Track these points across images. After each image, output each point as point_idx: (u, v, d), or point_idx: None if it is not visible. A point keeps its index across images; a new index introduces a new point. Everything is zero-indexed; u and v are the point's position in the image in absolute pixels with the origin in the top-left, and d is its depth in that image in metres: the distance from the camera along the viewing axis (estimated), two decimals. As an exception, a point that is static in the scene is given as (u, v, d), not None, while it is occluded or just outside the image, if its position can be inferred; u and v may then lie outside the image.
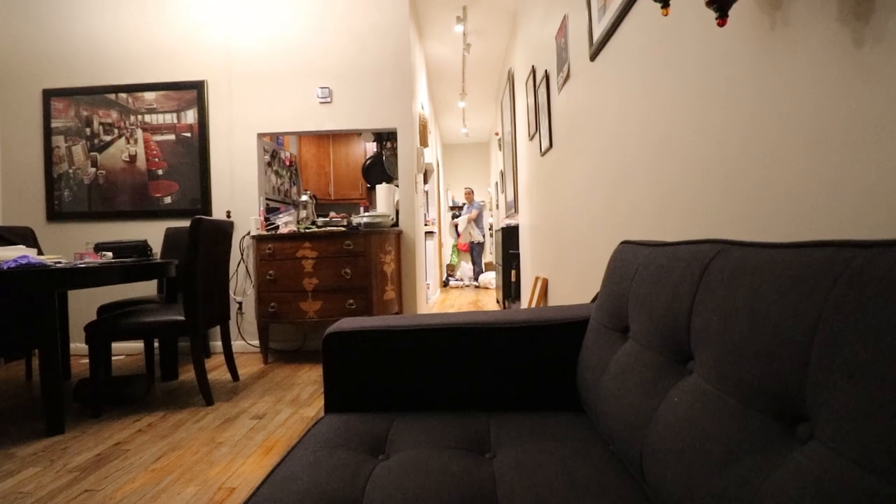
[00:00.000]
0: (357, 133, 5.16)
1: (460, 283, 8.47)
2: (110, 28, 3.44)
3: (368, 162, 5.27)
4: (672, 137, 1.14)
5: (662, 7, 0.86)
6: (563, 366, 1.04)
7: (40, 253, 2.52)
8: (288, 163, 4.87)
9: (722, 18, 0.72)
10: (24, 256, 1.99)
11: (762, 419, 0.48)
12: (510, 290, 4.39)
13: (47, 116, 3.44)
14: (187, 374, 2.81)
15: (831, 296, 0.44)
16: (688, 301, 0.64)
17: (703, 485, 0.50)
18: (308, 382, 2.64)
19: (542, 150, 2.82)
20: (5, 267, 1.88)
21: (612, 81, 1.55)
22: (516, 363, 1.06)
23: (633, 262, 0.89)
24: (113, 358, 2.87)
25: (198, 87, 3.39)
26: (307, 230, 3.08)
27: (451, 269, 9.01)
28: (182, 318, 2.21)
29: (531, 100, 3.15)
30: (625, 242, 1.01)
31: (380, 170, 5.09)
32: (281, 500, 0.67)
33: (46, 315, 1.92)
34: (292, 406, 2.24)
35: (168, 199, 3.43)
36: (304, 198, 3.38)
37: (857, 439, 0.37)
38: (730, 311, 0.55)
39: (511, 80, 4.33)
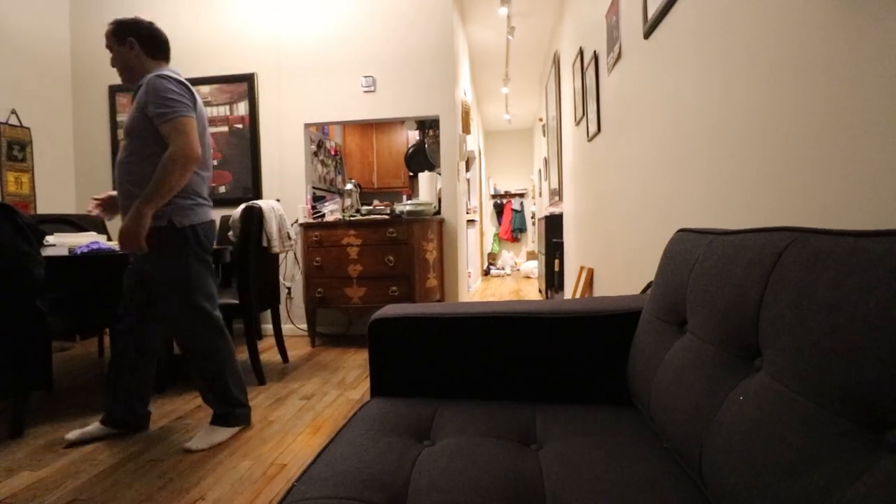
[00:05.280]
0: (400, 121, 5.18)
1: (501, 271, 8.41)
2: (170, 26, 3.59)
3: (411, 150, 5.29)
4: (735, 119, 1.06)
5: (731, -25, 0.79)
6: (613, 358, 1.01)
7: (109, 239, 2.71)
8: (333, 152, 4.97)
9: (802, -16, 0.66)
10: (96, 242, 2.14)
11: (843, 424, 0.44)
12: (553, 279, 4.31)
13: (113, 111, 3.67)
14: (241, 355, 2.95)
15: (933, 290, 0.39)
16: (756, 293, 0.60)
17: (773, 491, 0.47)
18: (353, 366, 2.71)
19: (590, 135, 2.72)
20: (79, 252, 2.04)
21: (669, 60, 1.46)
22: (563, 354, 1.03)
23: (692, 252, 0.84)
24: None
25: (248, 80, 3.50)
26: (352, 218, 3.14)
27: (493, 257, 8.97)
28: (236, 301, 2.32)
29: (578, 83, 3.04)
30: (682, 230, 0.96)
31: (422, 158, 5.10)
32: (330, 478, 0.69)
33: (116, 296, 2.06)
34: (338, 388, 2.31)
35: (223, 189, 3.59)
36: (349, 186, 3.44)
37: (966, 452, 0.33)
38: (807, 306, 0.50)
39: (557, 63, 4.20)
